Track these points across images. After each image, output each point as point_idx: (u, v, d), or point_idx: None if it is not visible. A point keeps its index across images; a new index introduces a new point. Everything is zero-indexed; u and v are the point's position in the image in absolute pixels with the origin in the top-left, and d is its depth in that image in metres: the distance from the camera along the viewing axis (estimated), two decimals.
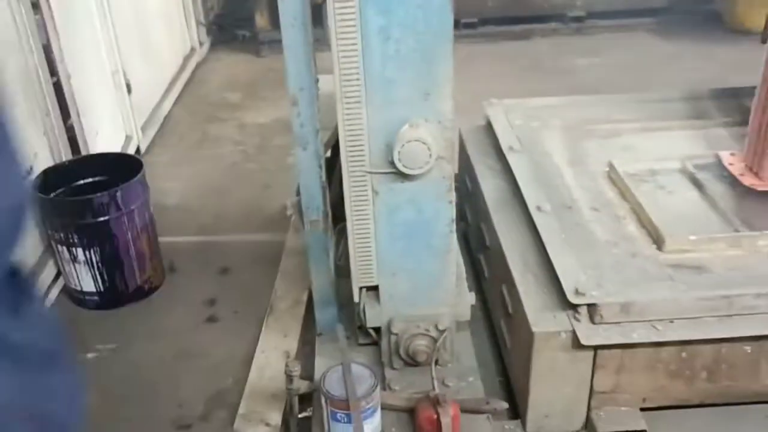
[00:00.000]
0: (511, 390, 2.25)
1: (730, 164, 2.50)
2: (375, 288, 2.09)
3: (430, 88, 1.77)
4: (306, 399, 2.17)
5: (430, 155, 1.80)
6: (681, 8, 5.91)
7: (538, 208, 2.29)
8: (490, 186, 2.60)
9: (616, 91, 3.35)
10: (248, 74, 5.53)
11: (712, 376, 2.02)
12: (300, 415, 2.18)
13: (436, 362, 2.17)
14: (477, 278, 2.71)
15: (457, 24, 6.26)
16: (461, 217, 2.87)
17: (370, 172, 1.87)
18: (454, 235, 2.00)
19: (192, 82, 5.38)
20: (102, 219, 2.79)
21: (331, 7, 1.66)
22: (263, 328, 2.68)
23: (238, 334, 2.78)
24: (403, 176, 1.86)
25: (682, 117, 2.89)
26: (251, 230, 3.49)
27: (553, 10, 6.10)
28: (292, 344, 2.60)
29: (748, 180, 2.41)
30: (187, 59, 5.43)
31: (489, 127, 2.93)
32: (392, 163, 1.82)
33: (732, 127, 2.77)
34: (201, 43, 5.79)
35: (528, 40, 6.01)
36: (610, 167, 2.54)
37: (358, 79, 1.75)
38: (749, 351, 1.97)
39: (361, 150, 1.84)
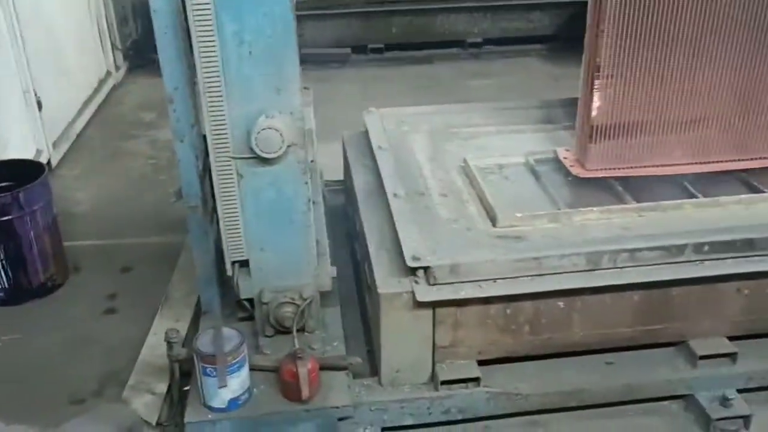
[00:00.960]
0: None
1: (564, 158, 2.92)
2: (246, 263, 2.38)
3: (280, 85, 2.10)
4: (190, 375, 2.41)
5: (283, 141, 2.12)
6: (567, 35, 6.46)
7: (395, 195, 2.64)
8: (361, 180, 2.95)
9: None
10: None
11: (534, 330, 2.38)
12: (185, 388, 2.43)
13: (304, 329, 2.47)
14: (357, 266, 3.03)
15: (364, 49, 6.74)
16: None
17: (233, 158, 2.18)
18: (312, 213, 2.32)
19: (107, 103, 5.59)
20: (5, 218, 3.00)
21: (190, 14, 1.98)
22: (157, 315, 2.92)
23: (135, 323, 3.00)
24: (263, 161, 2.17)
25: (533, 121, 3.30)
26: (155, 233, 3.72)
27: (453, 37, 6.58)
28: (184, 327, 2.84)
29: (575, 170, 2.82)
30: (102, 82, 5.65)
31: (367, 132, 3.29)
32: (252, 149, 2.13)
33: (573, 129, 3.19)
34: (117, 67, 6.02)
35: (430, 64, 6.46)
36: (464, 162, 2.92)
37: (218, 77, 2.06)
38: (562, 306, 2.35)
39: (225, 138, 2.15)
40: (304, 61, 6.71)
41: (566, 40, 6.53)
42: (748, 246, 2.34)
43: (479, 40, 6.57)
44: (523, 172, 2.92)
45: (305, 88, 3.56)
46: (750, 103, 2.74)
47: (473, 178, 2.78)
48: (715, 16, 2.58)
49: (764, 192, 2.63)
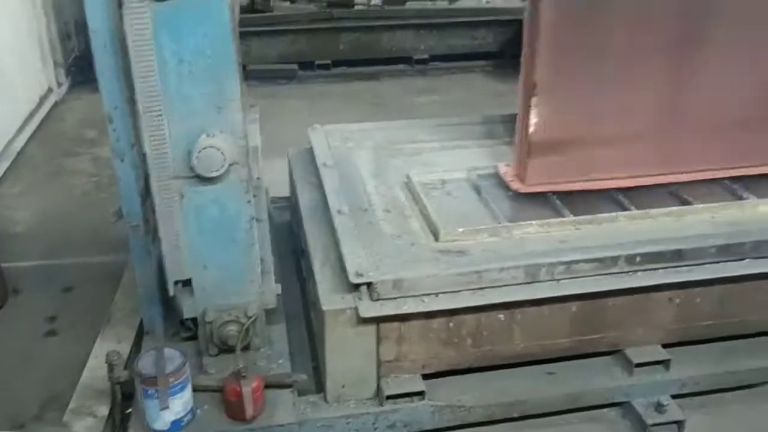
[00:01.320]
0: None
1: (504, 173, 2.99)
2: (189, 282, 2.37)
3: (221, 103, 2.11)
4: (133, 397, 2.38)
5: (225, 160, 2.12)
6: (511, 52, 6.61)
7: (339, 212, 2.66)
8: (306, 198, 2.96)
9: None
10: None
11: (477, 342, 2.43)
12: (127, 411, 2.40)
13: (249, 347, 2.47)
14: (303, 282, 3.04)
15: (311, 65, 6.76)
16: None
17: (174, 177, 2.17)
18: (255, 231, 2.32)
19: (49, 119, 5.48)
20: None
21: (128, 34, 1.97)
22: (99, 336, 2.87)
23: (77, 345, 2.94)
24: (205, 180, 2.17)
25: (476, 137, 3.38)
26: (98, 253, 3.66)
27: (400, 54, 6.65)
28: (126, 349, 2.80)
29: (515, 185, 2.89)
30: (44, 98, 5.54)
31: (312, 149, 3.30)
32: (192, 168, 2.13)
33: (513, 144, 3.27)
34: (59, 84, 5.91)
35: (377, 81, 6.52)
36: (407, 178, 2.96)
37: (158, 96, 2.06)
38: (503, 318, 2.41)
39: (165, 157, 2.14)
40: (251, 77, 6.80)
41: (510, 56, 6.66)
42: (677, 256, 2.44)
43: (426, 56, 6.66)
44: (465, 187, 2.98)
45: (251, 105, 3.58)
46: (679, 118, 2.86)
47: (416, 193, 2.83)
48: (645, 34, 2.69)
49: (693, 204, 2.74)
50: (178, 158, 2.15)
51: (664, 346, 2.59)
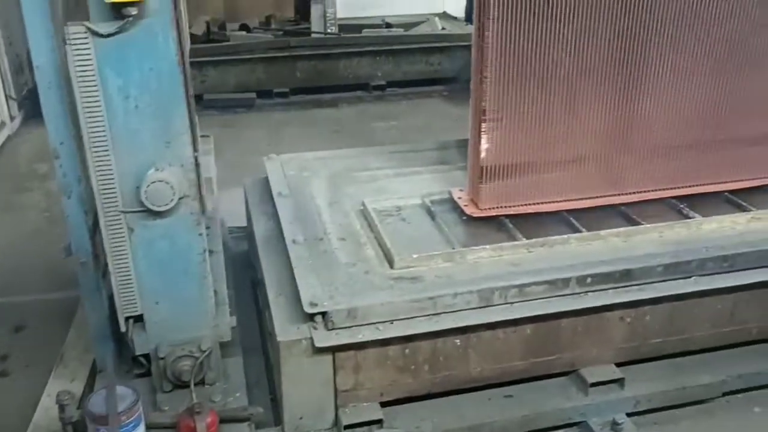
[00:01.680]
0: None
1: (458, 198, 3.02)
2: (141, 317, 2.33)
3: (170, 137, 2.10)
4: None
5: (174, 194, 2.11)
6: (466, 77, 6.71)
7: (294, 241, 2.66)
8: (261, 228, 2.96)
9: None
10: None
11: (433, 368, 2.44)
12: None
13: (204, 382, 2.43)
14: (261, 313, 3.02)
15: (270, 93, 6.79)
16: None
17: (123, 212, 2.15)
18: (207, 264, 2.31)
19: (1, 154, 5.39)
20: None
21: (72, 70, 1.96)
22: (51, 375, 2.81)
23: (29, 385, 2.87)
24: (154, 214, 2.15)
25: (430, 163, 3.42)
26: (50, 290, 3.59)
27: (357, 80, 6.73)
28: (79, 387, 2.73)
29: (469, 210, 2.93)
30: None
31: (267, 179, 3.30)
32: (141, 203, 2.12)
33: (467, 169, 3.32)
34: (12, 117, 5.82)
35: (335, 108, 6.57)
36: (363, 205, 2.98)
37: (104, 131, 2.04)
38: (459, 343, 2.42)
39: (114, 192, 2.12)
40: (208, 107, 6.80)
41: (466, 81, 6.73)
42: (626, 276, 2.49)
43: (383, 82, 6.75)
44: (419, 213, 3.01)
45: (205, 135, 3.57)
46: (624, 141, 2.93)
47: (371, 221, 2.84)
48: (589, 60, 2.77)
49: (641, 224, 2.80)
50: (127, 193, 2.13)
51: (618, 364, 2.62)
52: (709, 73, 2.90)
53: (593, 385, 2.54)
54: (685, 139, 3.01)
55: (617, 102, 2.87)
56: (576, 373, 2.59)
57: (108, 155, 2.08)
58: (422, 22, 7.47)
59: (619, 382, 2.57)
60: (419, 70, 6.83)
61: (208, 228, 2.88)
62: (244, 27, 6.93)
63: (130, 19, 1.92)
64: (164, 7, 1.95)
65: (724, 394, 2.70)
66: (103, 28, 1.94)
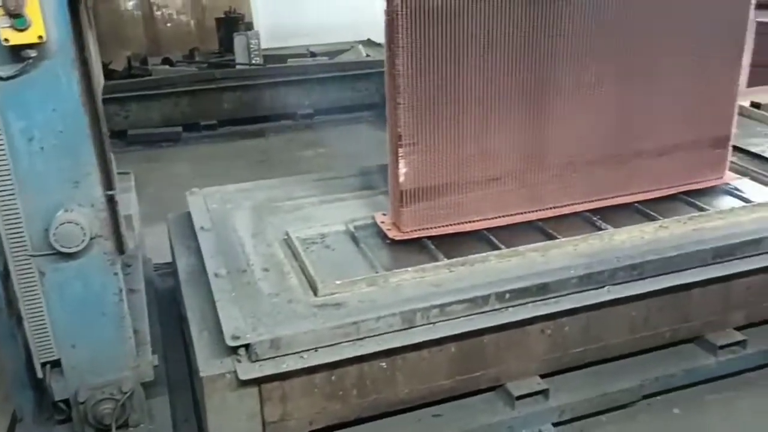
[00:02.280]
0: None
1: (382, 222, 3.07)
2: (59, 362, 2.28)
3: (78, 177, 2.07)
4: None
5: (85, 234, 2.08)
6: None
7: (216, 275, 2.65)
8: (184, 263, 2.93)
9: None
10: None
11: (361, 393, 2.45)
12: None
13: (127, 424, 2.38)
14: (187, 350, 2.97)
15: (197, 126, 6.74)
16: None
17: (33, 255, 2.10)
18: (125, 303, 2.27)
19: None
20: None
21: None
22: None
23: None
24: (65, 256, 2.12)
25: (353, 189, 3.46)
26: None
27: (284, 110, 6.76)
28: None
29: (392, 233, 2.98)
30: None
31: (190, 214, 3.28)
32: (51, 245, 2.08)
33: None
34: None
35: (263, 138, 6.58)
36: (286, 235, 2.99)
37: (8, 174, 2.01)
38: (385, 366, 2.44)
39: (21, 236, 2.08)
40: (133, 142, 6.68)
41: None
42: (543, 290, 2.56)
43: (310, 111, 6.79)
44: (344, 239, 3.04)
45: (124, 172, 3.53)
46: (537, 159, 3.04)
47: (295, 249, 2.85)
48: (499, 84, 2.87)
49: (557, 238, 2.90)
50: (36, 236, 2.09)
51: (542, 376, 2.69)
52: (614, 91, 3.05)
53: (519, 398, 2.60)
54: (595, 154, 3.14)
55: (529, 123, 2.98)
56: (502, 388, 2.65)
57: (14, 198, 2.04)
58: (347, 50, 7.57)
59: (544, 393, 2.63)
60: (346, 97, 6.91)
61: (129, 266, 2.86)
62: (166, 61, 6.88)
63: (30, 61, 1.90)
64: (65, 48, 1.94)
65: (645, 398, 2.80)
66: (3, 71, 1.91)
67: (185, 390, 2.84)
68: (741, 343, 2.88)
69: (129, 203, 3.28)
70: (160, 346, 2.86)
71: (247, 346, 2.27)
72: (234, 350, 2.28)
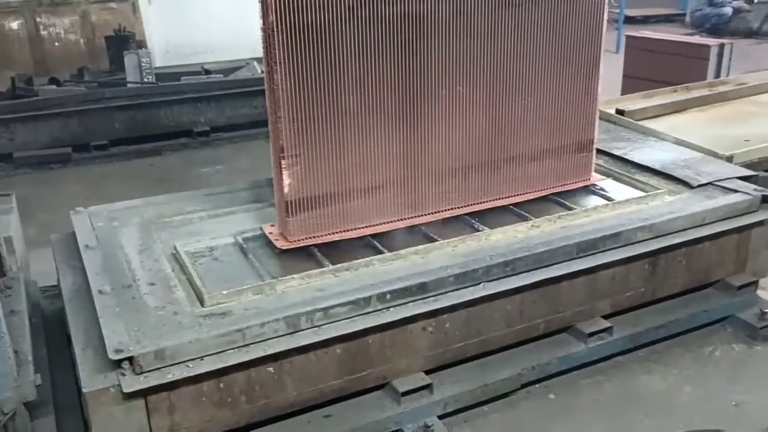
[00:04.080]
0: None
1: (270, 233, 3.14)
2: None
3: None
4: None
5: None
6: None
7: (100, 291, 2.64)
8: (68, 282, 2.89)
9: None
10: None
11: (250, 399, 2.51)
12: None
13: None
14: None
15: (87, 147, 6.57)
16: None
17: None
18: (2, 324, 2.25)
19: None
20: None
21: None
22: None
23: None
24: None
25: (243, 202, 3.51)
26: None
27: (180, 127, 6.69)
28: None
29: (279, 243, 3.05)
30: None
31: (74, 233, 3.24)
32: None
33: None
34: None
35: (160, 156, 6.49)
36: (174, 249, 3.01)
37: None
38: (272, 371, 2.51)
39: None
40: (20, 164, 6.45)
41: None
42: (422, 289, 2.71)
43: (207, 128, 6.76)
44: (232, 251, 3.09)
45: (5, 194, 3.45)
46: (417, 166, 3.20)
47: (183, 263, 2.88)
48: (376, 95, 2.99)
49: (437, 241, 3.06)
50: None
51: (427, 372, 2.83)
52: (485, 101, 3.24)
53: (404, 394, 2.72)
54: (471, 160, 3.33)
55: (406, 131, 3.13)
56: (389, 385, 2.77)
57: None
58: (242, 66, 7.59)
59: (428, 387, 2.77)
60: (243, 113, 6.91)
61: (9, 288, 2.81)
62: (53, 81, 6.68)
63: None
64: None
65: (523, 386, 2.99)
66: None
67: (74, 411, 2.79)
68: (608, 330, 3.12)
69: (9, 225, 3.21)
70: (47, 368, 2.82)
71: (130, 359, 2.29)
72: (118, 364, 2.30)
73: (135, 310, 2.54)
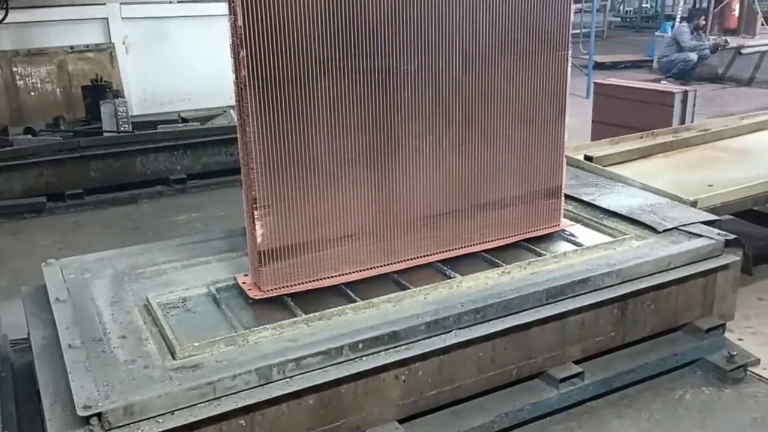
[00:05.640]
0: None
1: (243, 283, 3.15)
2: None
3: None
4: None
5: None
6: None
7: (70, 345, 2.63)
8: (39, 336, 2.87)
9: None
10: None
11: None
12: None
13: None
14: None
15: (62, 196, 6.56)
16: None
17: None
18: None
19: None
20: None
21: None
22: None
23: None
24: None
25: (217, 252, 3.52)
26: None
27: (156, 175, 6.71)
28: None
29: (252, 293, 3.06)
30: None
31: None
32: None
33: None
34: None
35: (135, 204, 6.49)
36: (147, 301, 3.00)
37: None
38: (244, 423, 2.50)
39: None
40: None
41: None
42: (394, 338, 2.73)
43: (183, 176, 6.78)
44: (205, 302, 3.09)
45: None
46: (389, 215, 3.24)
47: (155, 315, 2.88)
48: (348, 145, 3.06)
49: (409, 288, 3.09)
50: None
51: (401, 421, 2.83)
52: (455, 151, 3.32)
53: None
54: (442, 208, 3.39)
55: (378, 181, 3.19)
56: None
57: None
58: (219, 114, 7.66)
59: None
60: (219, 161, 6.96)
61: None
62: (29, 130, 6.69)
63: None
64: None
65: None
66: None
67: None
68: (579, 375, 3.15)
69: None
70: (15, 424, 2.78)
71: (99, 415, 2.27)
72: (86, 420, 2.27)
73: (105, 365, 2.53)
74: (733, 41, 12.50)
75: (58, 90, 8.11)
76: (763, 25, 13.37)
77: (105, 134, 6.66)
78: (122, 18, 8.58)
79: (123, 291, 3.13)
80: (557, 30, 3.41)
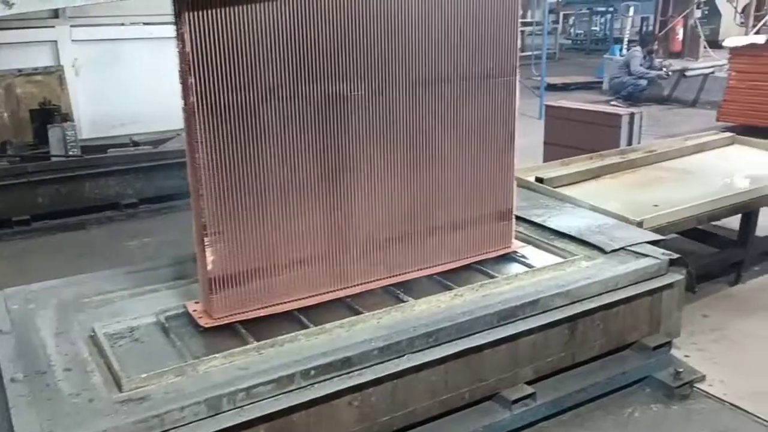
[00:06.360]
0: None
1: (194, 311, 3.11)
2: None
3: None
4: None
5: None
6: None
7: (12, 379, 2.55)
8: None
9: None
10: None
11: None
12: None
13: None
14: None
15: (8, 222, 6.36)
16: None
17: None
18: None
19: None
20: None
21: None
22: None
23: None
24: None
25: (166, 279, 3.47)
26: None
27: (106, 200, 6.58)
28: None
29: (203, 321, 3.02)
30: None
31: None
32: None
33: None
34: None
35: (84, 230, 6.35)
36: (93, 331, 2.93)
37: None
38: None
39: None
40: None
41: None
42: (346, 364, 2.72)
43: (135, 200, 6.67)
44: (154, 331, 3.04)
45: None
46: (341, 239, 3.25)
47: (101, 346, 2.81)
48: (299, 170, 3.06)
49: (362, 313, 3.08)
50: None
51: None
52: (405, 173, 3.35)
53: None
54: (394, 232, 3.40)
55: (329, 206, 3.19)
56: None
57: None
58: (172, 137, 7.56)
59: None
60: (173, 184, 6.83)
61: None
62: None
63: None
64: None
65: None
66: None
67: None
68: (531, 396, 3.18)
69: None
70: None
71: None
72: None
73: (48, 398, 2.46)
74: (678, 64, 12.91)
75: (5, 114, 7.89)
76: (705, 48, 13.85)
77: (53, 158, 6.52)
78: (72, 40, 8.47)
79: (68, 321, 3.05)
80: (504, 56, 3.48)
